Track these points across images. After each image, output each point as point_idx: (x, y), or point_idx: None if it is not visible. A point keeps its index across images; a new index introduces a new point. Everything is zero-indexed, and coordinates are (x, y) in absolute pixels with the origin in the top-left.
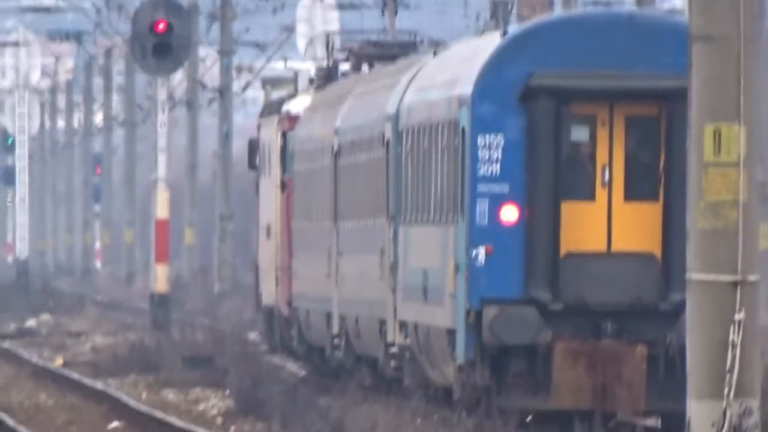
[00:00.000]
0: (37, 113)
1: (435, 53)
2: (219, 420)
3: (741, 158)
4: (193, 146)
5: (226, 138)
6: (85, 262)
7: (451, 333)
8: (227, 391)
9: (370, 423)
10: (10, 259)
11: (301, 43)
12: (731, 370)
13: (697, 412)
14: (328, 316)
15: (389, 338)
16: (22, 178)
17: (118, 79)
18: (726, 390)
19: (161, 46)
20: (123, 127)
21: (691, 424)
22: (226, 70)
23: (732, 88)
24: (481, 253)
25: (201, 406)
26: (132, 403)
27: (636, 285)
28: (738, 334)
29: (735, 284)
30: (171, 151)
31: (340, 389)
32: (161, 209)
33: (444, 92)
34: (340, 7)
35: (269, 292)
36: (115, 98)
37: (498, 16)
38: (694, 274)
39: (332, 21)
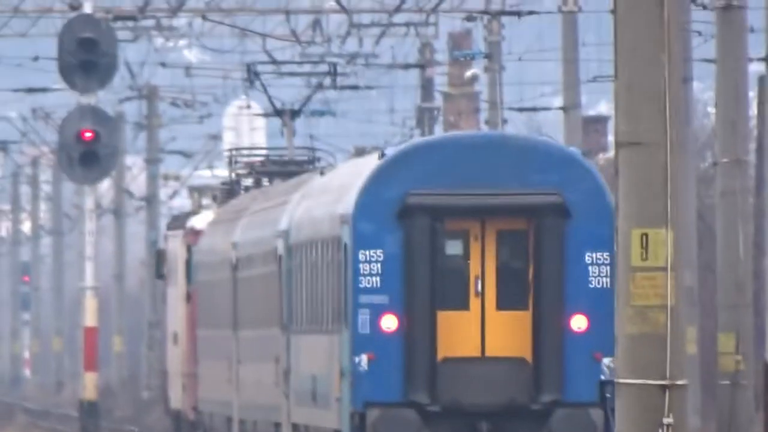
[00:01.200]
0: None
1: (322, 173)
2: None
3: (669, 262)
4: (121, 254)
5: (153, 245)
6: (13, 370)
7: None
8: None
9: None
10: None
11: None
12: None
13: None
14: (229, 420)
15: None
16: None
17: (45, 188)
18: None
19: (88, 155)
20: (51, 235)
21: None
22: (152, 178)
23: (659, 192)
24: (363, 359)
25: None
26: None
27: (509, 387)
28: None
29: (663, 388)
30: (99, 258)
31: None
32: (89, 317)
33: (328, 211)
34: (265, 115)
35: (176, 397)
36: (43, 207)
37: (424, 122)
38: (622, 378)
39: (258, 128)
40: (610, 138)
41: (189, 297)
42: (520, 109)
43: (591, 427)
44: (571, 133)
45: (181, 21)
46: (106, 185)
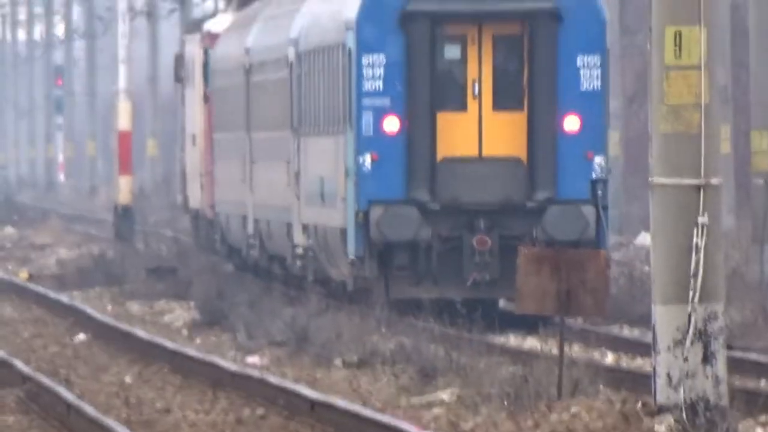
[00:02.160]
0: None
1: None
2: (184, 331)
3: (702, 61)
4: (154, 57)
5: None
6: (47, 175)
7: (343, 232)
8: (192, 303)
9: (335, 332)
10: None
11: None
12: (695, 275)
13: (662, 316)
14: (244, 219)
15: (295, 240)
16: None
17: None
18: (691, 294)
19: None
20: (84, 38)
21: (656, 329)
22: None
23: None
24: (367, 159)
25: (166, 318)
26: (97, 315)
27: (505, 186)
28: (701, 237)
29: (698, 188)
30: (132, 62)
31: (304, 300)
32: (123, 121)
33: (334, 17)
34: None
35: (195, 197)
36: (76, 10)
37: None
38: (656, 178)
39: None
40: None
41: (206, 99)
42: None
43: (583, 223)
44: None
45: None
46: None
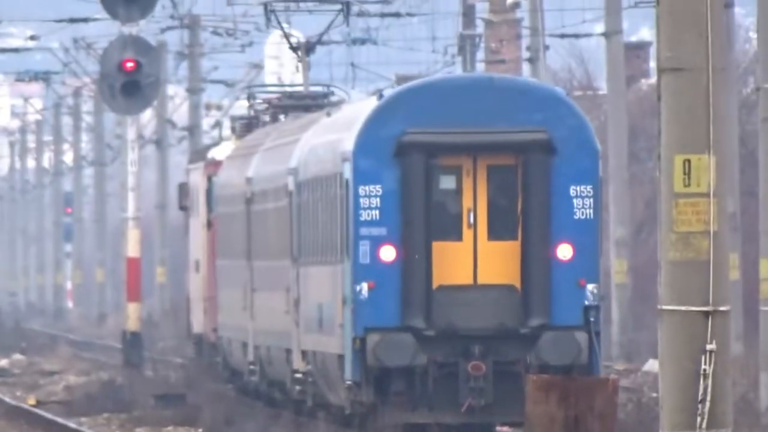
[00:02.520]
0: (7, 153)
1: (328, 114)
2: None
3: (711, 188)
4: (163, 184)
5: None
6: (56, 302)
7: (341, 358)
8: (200, 429)
9: None
10: None
11: (269, 80)
12: (703, 401)
13: None
14: (245, 345)
15: (294, 365)
16: None
17: (87, 119)
18: (699, 420)
19: (130, 85)
20: (93, 166)
21: None
22: (195, 108)
23: (701, 118)
24: (364, 288)
25: None
26: None
27: (499, 312)
28: (710, 364)
29: (706, 314)
30: (141, 189)
31: (312, 428)
32: (132, 248)
33: (332, 149)
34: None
35: (198, 321)
36: (85, 138)
37: (466, 49)
38: (665, 305)
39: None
40: (652, 64)
41: (209, 225)
42: (562, 36)
43: (576, 349)
44: (613, 59)
45: None
46: (148, 115)
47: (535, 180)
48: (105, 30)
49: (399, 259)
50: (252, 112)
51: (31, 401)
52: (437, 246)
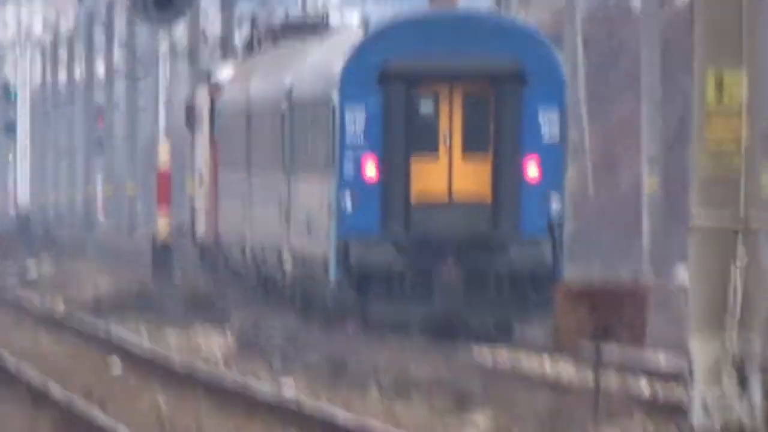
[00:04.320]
0: (38, 66)
1: (321, 41)
2: (221, 359)
3: (744, 103)
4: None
5: None
6: (87, 214)
7: (326, 260)
8: (229, 333)
9: (371, 364)
10: (12, 211)
11: None
12: (733, 312)
13: (699, 344)
14: (244, 248)
15: (284, 266)
16: (23, 131)
17: (120, 32)
18: (727, 323)
19: None
20: (125, 79)
21: (693, 357)
22: (227, 21)
23: (734, 32)
24: (347, 199)
25: (203, 346)
26: (134, 343)
27: (471, 223)
28: (740, 279)
29: (736, 231)
30: (172, 104)
31: (339, 331)
32: (163, 161)
33: (322, 75)
34: None
35: (202, 230)
36: (117, 51)
37: None
38: (696, 222)
39: None
40: None
41: (213, 141)
42: None
43: (541, 258)
44: None
45: None
46: (180, 28)
47: (507, 106)
48: None
49: (381, 175)
50: (255, 35)
51: (61, 306)
52: (416, 164)
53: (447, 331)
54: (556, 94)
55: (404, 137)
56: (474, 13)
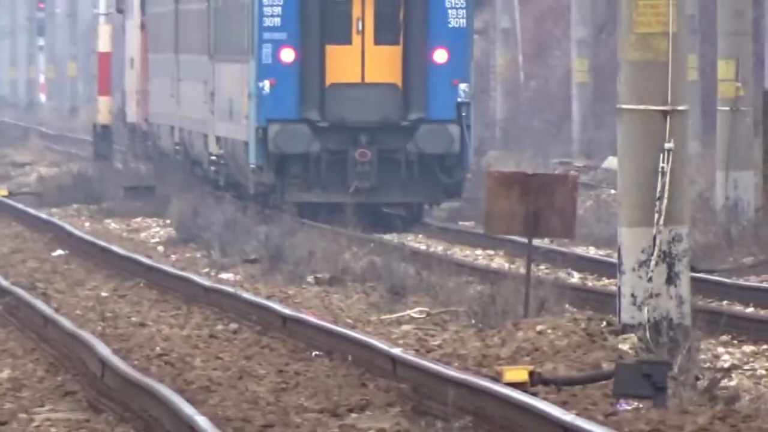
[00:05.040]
0: None
1: None
2: (160, 248)
3: None
4: None
5: None
6: (29, 95)
7: (246, 144)
8: (168, 221)
9: (308, 249)
10: None
11: None
12: (661, 198)
13: (628, 238)
14: (172, 129)
15: (210, 149)
16: None
17: None
18: (656, 217)
19: None
20: None
21: (622, 250)
22: None
23: None
24: (266, 85)
25: (142, 235)
26: (75, 231)
27: (383, 107)
28: (668, 162)
29: (665, 114)
30: None
31: (277, 219)
32: (103, 43)
33: None
34: None
35: (132, 112)
36: None
37: None
38: (624, 104)
39: None
40: None
41: (143, 26)
42: None
43: (449, 139)
44: None
45: None
46: None
47: None
48: None
49: (297, 60)
50: None
51: (3, 192)
52: (330, 49)
53: (362, 211)
54: None
55: (319, 25)
56: None
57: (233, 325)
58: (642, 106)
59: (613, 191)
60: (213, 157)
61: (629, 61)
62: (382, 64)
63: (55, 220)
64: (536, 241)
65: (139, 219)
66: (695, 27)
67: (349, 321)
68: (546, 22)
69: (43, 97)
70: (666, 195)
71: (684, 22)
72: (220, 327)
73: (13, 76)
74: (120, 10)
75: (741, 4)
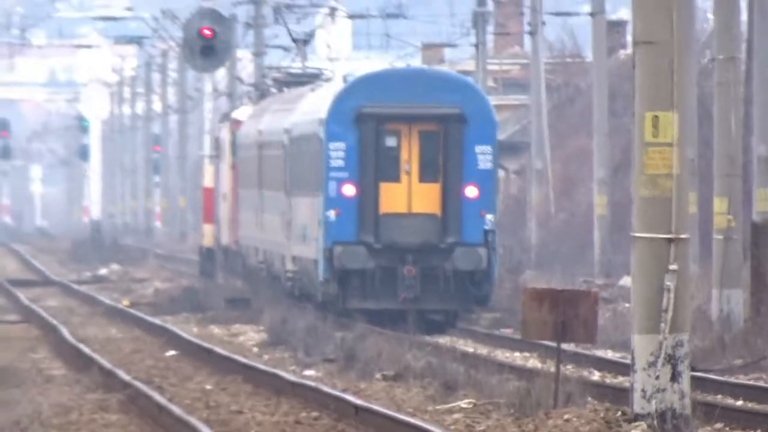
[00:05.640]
0: (107, 102)
1: (313, 90)
2: (255, 349)
3: (675, 139)
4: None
5: None
6: (147, 223)
7: (316, 262)
8: (261, 327)
9: (376, 351)
10: (86, 220)
11: (319, 46)
12: (666, 310)
13: (639, 343)
14: (257, 250)
15: (286, 266)
16: (95, 155)
17: (172, 75)
18: (662, 326)
19: (207, 48)
20: (177, 113)
21: (634, 353)
22: (259, 68)
23: (667, 82)
24: (332, 214)
25: (240, 339)
26: (184, 335)
27: (426, 233)
28: (672, 281)
29: (669, 240)
30: (215, 132)
31: (351, 326)
32: (207, 179)
33: (312, 116)
34: (350, 17)
35: (225, 237)
36: (170, 90)
37: (478, 24)
38: (637, 233)
39: (345, 26)
40: (629, 38)
41: (233, 167)
42: (557, 14)
43: (478, 259)
44: (597, 33)
45: None
46: (221, 73)
47: (452, 141)
48: (188, 3)
49: (357, 194)
50: (266, 84)
51: (125, 303)
52: (383, 186)
53: (407, 317)
54: (489, 133)
55: (374, 165)
56: (427, 70)
57: (314, 413)
58: (651, 235)
59: (627, 305)
60: (289, 273)
61: (640, 197)
62: (425, 198)
63: (168, 326)
64: (564, 345)
65: (237, 325)
66: (695, 169)
67: (410, 410)
68: (572, 164)
69: (158, 224)
70: (671, 308)
71: (685, 165)
72: (303, 414)
73: (133, 206)
74: (214, 156)
75: (733, 152)
